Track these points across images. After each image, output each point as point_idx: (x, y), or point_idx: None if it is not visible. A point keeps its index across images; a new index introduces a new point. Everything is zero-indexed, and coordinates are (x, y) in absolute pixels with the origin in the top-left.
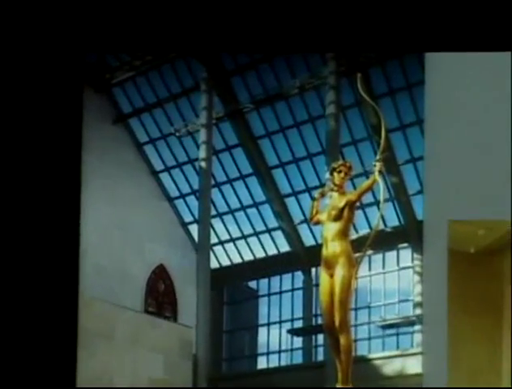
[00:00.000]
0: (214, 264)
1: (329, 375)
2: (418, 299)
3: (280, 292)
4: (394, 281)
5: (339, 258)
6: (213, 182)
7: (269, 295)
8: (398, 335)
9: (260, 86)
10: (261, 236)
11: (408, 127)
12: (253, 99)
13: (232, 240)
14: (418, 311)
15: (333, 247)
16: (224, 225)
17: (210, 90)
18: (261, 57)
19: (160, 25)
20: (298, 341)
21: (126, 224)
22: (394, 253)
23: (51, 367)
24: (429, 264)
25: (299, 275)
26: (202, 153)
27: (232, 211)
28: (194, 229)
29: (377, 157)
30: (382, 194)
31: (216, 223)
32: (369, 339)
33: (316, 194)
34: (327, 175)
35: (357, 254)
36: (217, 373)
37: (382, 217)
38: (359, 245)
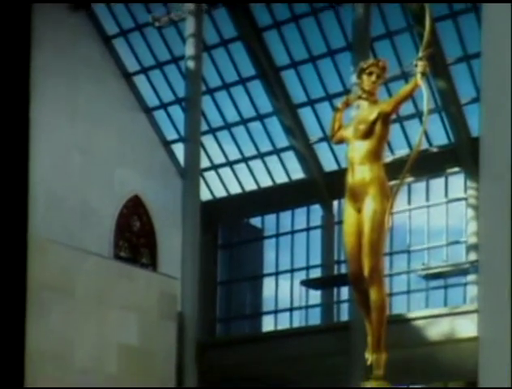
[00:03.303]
0: (205, 195)
1: (355, 340)
2: (473, 240)
3: (292, 232)
4: (441, 217)
5: (368, 188)
6: (204, 88)
7: (277, 235)
8: (446, 287)
9: None
10: (267, 158)
11: (461, 14)
12: None
13: (230, 163)
14: (473, 256)
15: (361, 173)
16: (219, 144)
17: None
18: None
19: None
20: (315, 296)
21: (90, 145)
22: (442, 180)
23: None
24: (488, 194)
25: (316, 210)
26: (190, 49)
27: (228, 126)
28: (179, 150)
29: (420, 54)
30: (426, 103)
31: (208, 141)
32: (409, 292)
33: (339, 103)
34: (354, 78)
35: (393, 182)
36: (209, 337)
37: (426, 133)
38: (395, 169)
